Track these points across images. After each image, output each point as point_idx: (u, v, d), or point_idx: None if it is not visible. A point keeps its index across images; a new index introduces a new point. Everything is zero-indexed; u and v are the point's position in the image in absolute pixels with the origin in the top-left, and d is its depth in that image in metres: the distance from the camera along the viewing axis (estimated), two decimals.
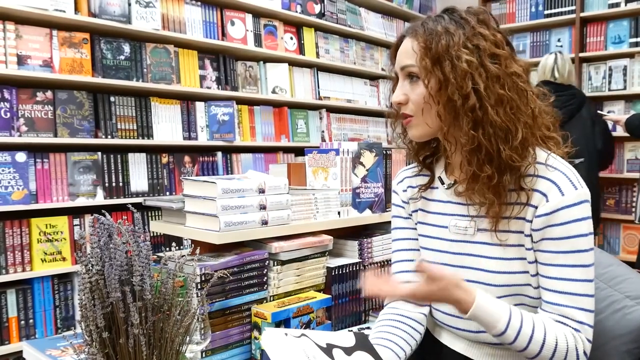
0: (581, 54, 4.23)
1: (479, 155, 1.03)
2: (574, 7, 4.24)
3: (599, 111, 3.67)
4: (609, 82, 4.14)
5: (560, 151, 1.11)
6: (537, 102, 1.08)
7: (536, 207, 1.04)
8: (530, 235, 1.05)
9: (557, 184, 1.02)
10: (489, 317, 1.00)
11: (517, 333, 1.00)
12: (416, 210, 1.26)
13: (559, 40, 4.38)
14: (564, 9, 4.30)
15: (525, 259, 1.07)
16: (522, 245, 1.07)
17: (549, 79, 3.34)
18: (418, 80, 1.09)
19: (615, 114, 3.85)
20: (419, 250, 1.26)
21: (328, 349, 1.04)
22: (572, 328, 1.02)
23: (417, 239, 1.27)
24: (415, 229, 1.27)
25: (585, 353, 1.02)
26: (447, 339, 1.23)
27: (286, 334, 1.08)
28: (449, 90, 1.03)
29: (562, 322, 1.03)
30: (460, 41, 1.03)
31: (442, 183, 1.21)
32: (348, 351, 1.05)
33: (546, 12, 4.40)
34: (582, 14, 4.20)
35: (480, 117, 1.02)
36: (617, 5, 4.06)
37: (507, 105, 1.02)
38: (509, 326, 1.00)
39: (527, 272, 1.07)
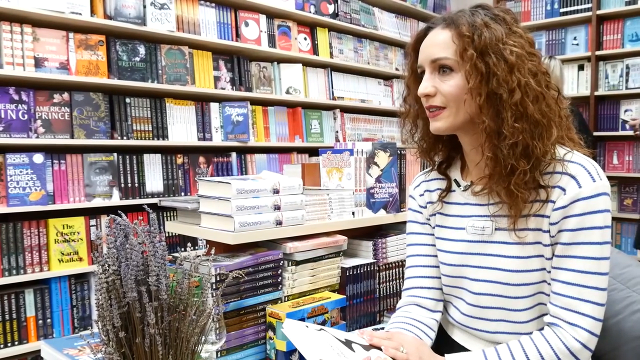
0: (597, 52, 4.18)
1: (515, 149, 1.02)
2: (590, 5, 4.19)
3: (623, 118, 3.69)
4: (627, 81, 4.09)
5: (583, 150, 1.10)
6: (564, 103, 1.09)
7: (554, 202, 1.03)
8: (549, 231, 1.05)
9: (575, 177, 1.02)
10: None
11: None
12: (434, 214, 1.26)
13: (574, 38, 4.33)
14: (580, 7, 4.25)
15: (543, 256, 1.07)
16: (540, 243, 1.06)
17: None
18: (451, 72, 1.07)
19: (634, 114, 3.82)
20: (434, 256, 1.26)
21: (347, 343, 1.06)
22: (567, 322, 1.01)
23: (433, 245, 1.27)
24: (432, 234, 1.27)
25: (585, 346, 1.00)
26: (462, 339, 1.22)
27: (307, 326, 1.10)
28: (493, 83, 1.02)
29: (553, 323, 1.04)
30: (503, 35, 1.03)
31: (458, 185, 1.20)
32: (366, 348, 1.06)
33: (562, 10, 4.35)
34: (598, 12, 4.15)
35: (521, 112, 1.01)
36: (635, 2, 4.01)
37: (542, 102, 1.03)
38: None
39: (544, 269, 1.07)
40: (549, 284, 1.07)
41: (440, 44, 1.08)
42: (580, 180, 1.01)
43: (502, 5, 4.85)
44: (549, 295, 1.07)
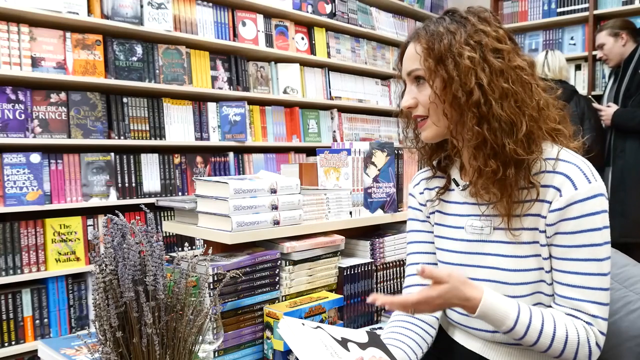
0: (595, 52, 4.18)
1: (484, 150, 1.04)
2: (587, 5, 4.19)
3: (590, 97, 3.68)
4: None
5: (574, 145, 1.11)
6: (542, 94, 1.09)
7: (550, 203, 1.04)
8: (545, 231, 1.05)
9: (571, 177, 1.02)
10: (498, 313, 1.01)
11: (526, 328, 1.01)
12: (433, 212, 1.26)
13: (572, 38, 4.34)
14: (577, 7, 4.26)
15: (540, 255, 1.07)
16: (537, 242, 1.07)
17: (540, 75, 3.34)
18: (424, 82, 1.10)
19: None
20: (434, 253, 1.26)
21: (343, 342, 1.06)
22: (584, 321, 1.02)
23: (433, 242, 1.27)
24: (432, 232, 1.28)
25: (598, 345, 1.02)
26: (462, 339, 1.22)
27: (303, 324, 1.10)
28: (453, 87, 1.04)
29: (574, 315, 1.03)
30: (462, 39, 1.05)
31: (457, 185, 1.21)
32: (362, 346, 1.06)
33: (559, 10, 4.35)
34: (595, 12, 4.16)
35: (485, 112, 1.03)
36: (631, 2, 4.01)
37: (511, 98, 1.03)
38: (517, 322, 1.01)
39: (542, 268, 1.07)
40: (549, 283, 1.07)
41: (410, 57, 1.13)
42: (575, 182, 1.01)
43: (499, 5, 4.78)
44: (547, 294, 1.08)
